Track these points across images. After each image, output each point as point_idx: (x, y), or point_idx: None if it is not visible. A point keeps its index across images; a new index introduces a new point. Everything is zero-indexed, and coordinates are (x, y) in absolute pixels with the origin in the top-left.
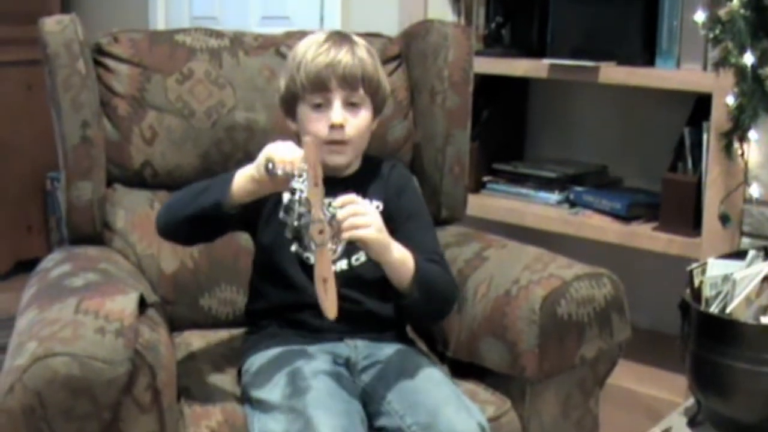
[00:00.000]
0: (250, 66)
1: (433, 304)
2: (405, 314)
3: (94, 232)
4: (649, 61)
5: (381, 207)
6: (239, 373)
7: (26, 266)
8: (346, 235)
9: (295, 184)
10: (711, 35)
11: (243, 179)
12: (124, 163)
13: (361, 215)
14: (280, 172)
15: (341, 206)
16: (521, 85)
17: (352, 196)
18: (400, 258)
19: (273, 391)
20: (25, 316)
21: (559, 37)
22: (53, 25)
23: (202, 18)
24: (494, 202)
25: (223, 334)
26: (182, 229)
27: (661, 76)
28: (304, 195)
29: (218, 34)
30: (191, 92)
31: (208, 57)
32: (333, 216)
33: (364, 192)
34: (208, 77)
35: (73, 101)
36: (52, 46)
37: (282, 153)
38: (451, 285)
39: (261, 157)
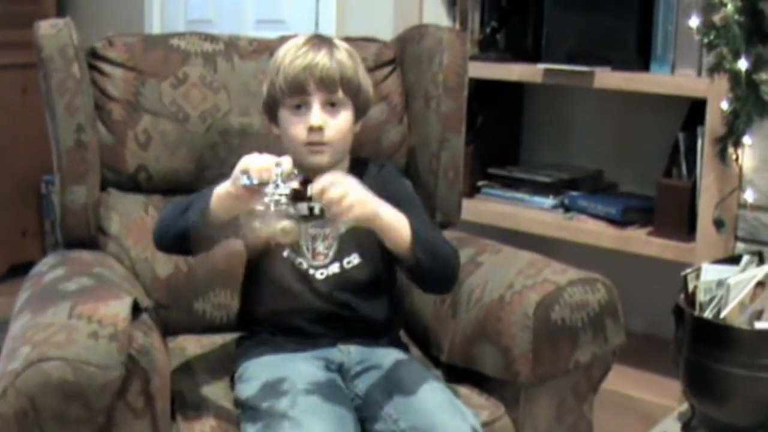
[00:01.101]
0: (245, 70)
1: (437, 263)
2: (413, 281)
3: (88, 237)
4: (644, 66)
5: None
6: (232, 379)
7: (20, 270)
8: (342, 218)
9: (269, 190)
10: (706, 40)
11: (221, 196)
12: (119, 168)
13: (333, 186)
14: (255, 181)
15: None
16: (516, 89)
17: (325, 179)
18: (393, 220)
19: (265, 398)
20: (18, 320)
21: (554, 42)
22: (48, 28)
23: (198, 21)
24: (489, 207)
25: (217, 338)
26: (175, 245)
27: (656, 81)
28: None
29: (213, 38)
30: (186, 96)
31: (202, 61)
32: (322, 209)
33: None
34: (203, 81)
35: (67, 105)
36: (46, 49)
37: (256, 162)
38: (452, 249)
39: (236, 170)
